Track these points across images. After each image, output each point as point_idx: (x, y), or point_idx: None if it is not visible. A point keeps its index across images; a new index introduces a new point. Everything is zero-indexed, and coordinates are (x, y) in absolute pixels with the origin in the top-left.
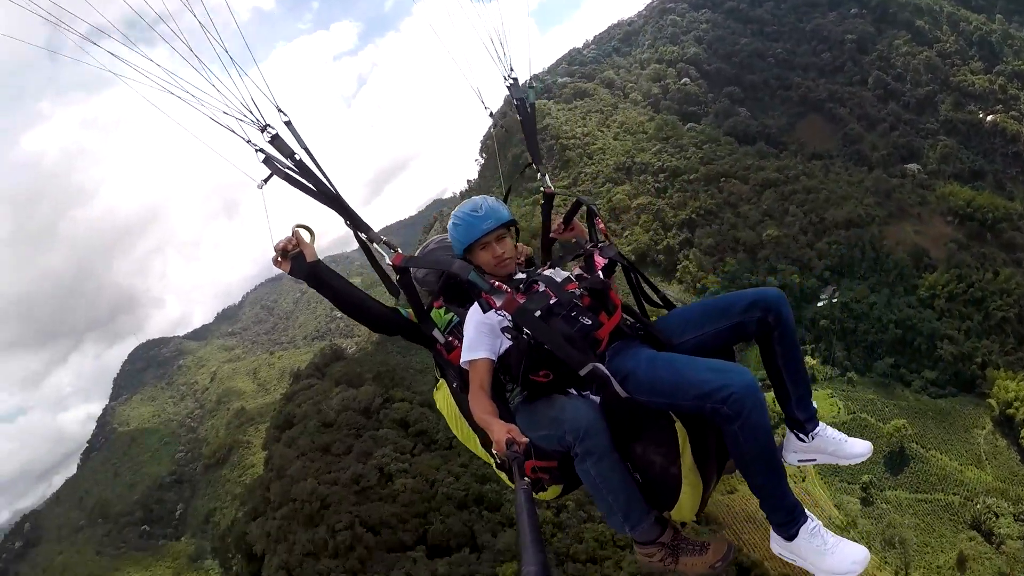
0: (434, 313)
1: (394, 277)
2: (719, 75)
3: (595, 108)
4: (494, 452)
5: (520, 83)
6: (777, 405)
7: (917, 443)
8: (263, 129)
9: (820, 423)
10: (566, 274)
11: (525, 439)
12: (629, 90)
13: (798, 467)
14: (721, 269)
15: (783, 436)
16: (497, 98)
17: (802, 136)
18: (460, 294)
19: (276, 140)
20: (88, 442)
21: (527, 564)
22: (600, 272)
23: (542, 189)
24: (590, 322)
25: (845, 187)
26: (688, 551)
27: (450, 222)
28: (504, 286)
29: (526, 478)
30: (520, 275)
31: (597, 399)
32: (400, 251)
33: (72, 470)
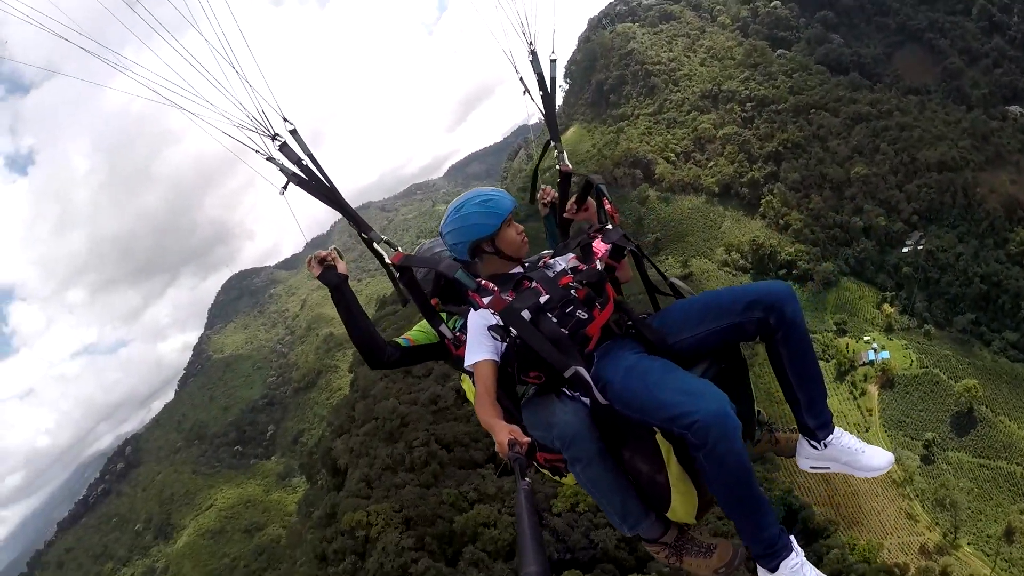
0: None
1: (395, 275)
2: None
3: (681, 32)
4: (496, 452)
5: (542, 56)
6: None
7: (987, 406)
8: (273, 138)
9: (836, 429)
10: (563, 266)
11: (527, 439)
12: (717, 13)
13: (810, 472)
14: (805, 206)
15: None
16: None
17: (898, 68)
18: (455, 294)
19: (284, 148)
20: (185, 369)
21: (528, 565)
22: (598, 260)
23: (558, 167)
24: (586, 316)
25: (940, 126)
26: (693, 552)
27: (467, 210)
28: (491, 284)
29: (527, 478)
30: (526, 264)
31: (588, 401)
32: (400, 250)
33: (170, 396)
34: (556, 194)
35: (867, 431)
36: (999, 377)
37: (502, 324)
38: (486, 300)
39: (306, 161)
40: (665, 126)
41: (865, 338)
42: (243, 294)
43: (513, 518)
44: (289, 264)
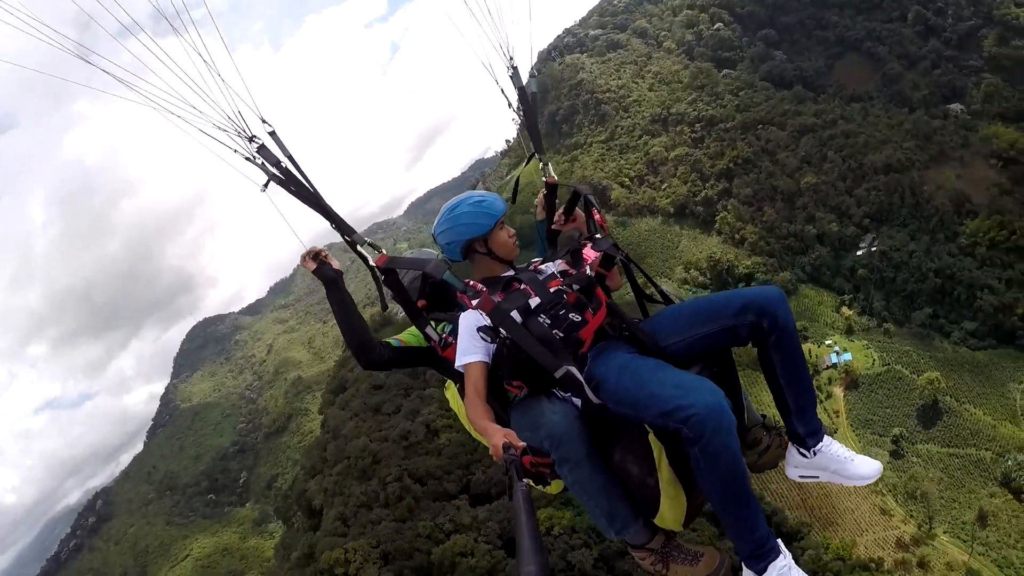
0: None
1: (380, 277)
2: (752, 18)
3: (629, 60)
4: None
5: (522, 71)
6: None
7: (951, 396)
8: (250, 139)
9: (825, 438)
10: (552, 270)
11: (522, 443)
12: (663, 39)
13: (799, 482)
14: (759, 219)
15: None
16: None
17: (840, 78)
18: (441, 301)
19: (262, 149)
20: (152, 420)
21: (527, 564)
22: (588, 267)
23: (544, 179)
24: (579, 319)
25: (884, 130)
26: (679, 559)
27: (461, 210)
28: (479, 285)
29: (526, 477)
30: (518, 268)
31: (579, 401)
32: (384, 252)
33: (138, 448)
34: (556, 179)
35: (835, 433)
36: (961, 367)
37: (491, 325)
38: (475, 301)
39: (285, 163)
40: (618, 152)
41: (827, 342)
42: (208, 342)
43: (489, 546)
44: (253, 309)
